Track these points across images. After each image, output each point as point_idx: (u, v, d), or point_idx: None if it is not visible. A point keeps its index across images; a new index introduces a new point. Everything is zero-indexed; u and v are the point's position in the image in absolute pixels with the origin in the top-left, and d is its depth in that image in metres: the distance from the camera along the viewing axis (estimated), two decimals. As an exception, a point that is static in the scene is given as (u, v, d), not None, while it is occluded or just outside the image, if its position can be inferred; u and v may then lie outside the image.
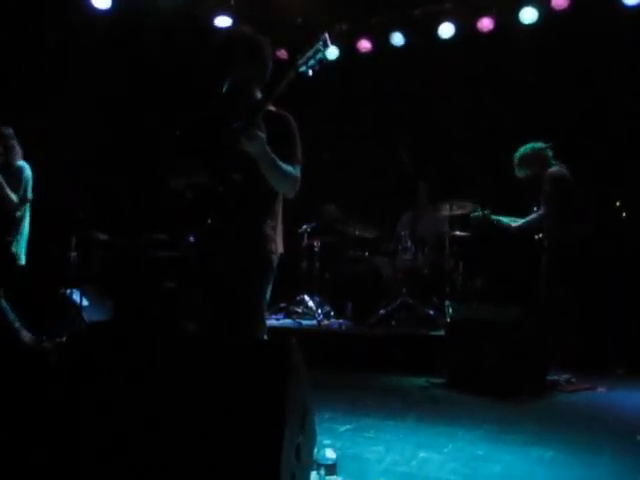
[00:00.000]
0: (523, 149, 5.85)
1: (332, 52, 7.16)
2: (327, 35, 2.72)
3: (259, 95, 3.00)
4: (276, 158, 2.75)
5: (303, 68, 2.74)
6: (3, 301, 5.07)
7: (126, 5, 7.31)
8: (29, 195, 5.44)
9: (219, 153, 2.76)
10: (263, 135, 2.66)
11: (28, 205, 5.50)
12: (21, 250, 5.46)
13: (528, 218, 5.81)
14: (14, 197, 5.28)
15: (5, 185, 5.23)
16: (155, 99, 7.98)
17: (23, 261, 5.47)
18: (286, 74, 2.74)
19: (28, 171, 5.45)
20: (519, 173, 5.87)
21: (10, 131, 5.47)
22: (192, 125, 3.09)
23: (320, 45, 2.71)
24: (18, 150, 5.47)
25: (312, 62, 2.72)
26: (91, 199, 7.48)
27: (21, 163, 5.46)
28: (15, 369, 2.41)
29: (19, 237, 5.43)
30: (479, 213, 6.11)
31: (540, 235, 5.85)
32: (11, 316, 5.02)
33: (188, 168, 2.88)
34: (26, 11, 6.70)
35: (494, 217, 6.00)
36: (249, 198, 2.82)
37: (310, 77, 2.76)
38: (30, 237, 6.85)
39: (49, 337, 6.63)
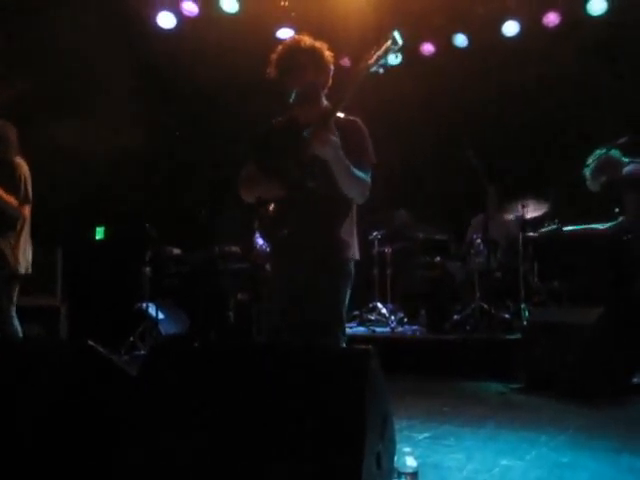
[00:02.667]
0: (588, 163, 5.59)
1: (396, 57, 7.10)
2: (397, 32, 2.69)
3: (325, 102, 3.03)
4: (349, 162, 2.75)
5: (374, 68, 2.72)
6: None
7: (189, 22, 7.48)
8: (30, 196, 4.70)
9: (294, 161, 2.79)
10: (336, 139, 2.67)
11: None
12: (22, 255, 4.68)
13: (613, 223, 5.54)
14: (13, 201, 4.56)
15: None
16: (223, 113, 8.13)
17: (22, 270, 4.64)
18: (357, 76, 2.73)
19: (25, 168, 4.71)
20: (593, 187, 5.58)
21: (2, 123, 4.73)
22: (264, 136, 3.13)
23: (390, 43, 2.69)
24: (14, 145, 4.69)
25: (383, 61, 2.70)
26: (163, 214, 7.67)
27: (17, 160, 4.70)
28: (96, 382, 2.47)
29: (19, 241, 4.67)
30: (550, 228, 5.88)
31: (629, 236, 5.56)
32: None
33: (263, 178, 2.92)
34: (95, 29, 6.93)
35: (566, 229, 5.76)
36: (325, 205, 2.84)
37: (381, 74, 2.74)
38: (105, 254, 7.00)
39: (127, 350, 6.84)
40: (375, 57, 2.70)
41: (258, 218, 2.98)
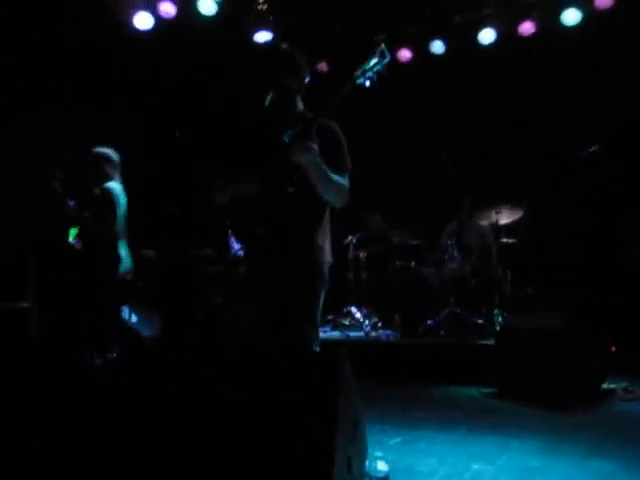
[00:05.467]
0: None
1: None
2: (384, 46, 2.72)
3: (301, 106, 3.04)
4: (327, 169, 2.76)
5: (360, 80, 2.75)
6: None
7: (167, 25, 7.44)
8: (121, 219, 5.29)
9: (270, 165, 2.78)
10: (316, 146, 2.68)
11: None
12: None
13: None
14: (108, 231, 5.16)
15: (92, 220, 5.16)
16: (198, 116, 8.08)
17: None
18: (342, 86, 2.75)
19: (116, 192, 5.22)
20: None
21: (104, 152, 5.27)
22: (238, 139, 3.13)
23: (377, 56, 2.72)
24: (108, 171, 5.25)
25: (369, 73, 2.74)
26: (137, 216, 7.60)
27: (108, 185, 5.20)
28: (68, 385, 2.44)
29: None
30: None
31: None
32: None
33: (236, 181, 2.91)
34: (70, 32, 6.87)
35: None
36: (300, 209, 2.84)
37: (367, 87, 2.77)
38: (78, 256, 6.94)
39: (100, 354, 6.76)
40: (361, 70, 2.73)
41: (231, 219, 2.97)
